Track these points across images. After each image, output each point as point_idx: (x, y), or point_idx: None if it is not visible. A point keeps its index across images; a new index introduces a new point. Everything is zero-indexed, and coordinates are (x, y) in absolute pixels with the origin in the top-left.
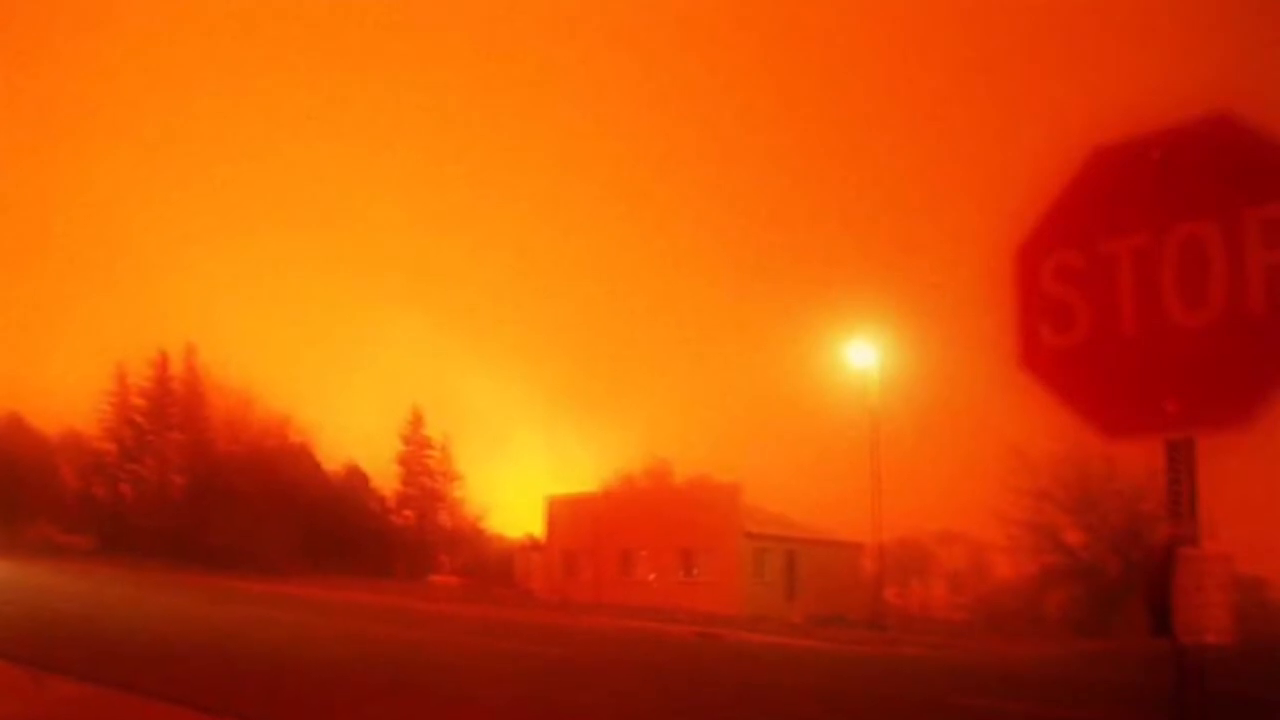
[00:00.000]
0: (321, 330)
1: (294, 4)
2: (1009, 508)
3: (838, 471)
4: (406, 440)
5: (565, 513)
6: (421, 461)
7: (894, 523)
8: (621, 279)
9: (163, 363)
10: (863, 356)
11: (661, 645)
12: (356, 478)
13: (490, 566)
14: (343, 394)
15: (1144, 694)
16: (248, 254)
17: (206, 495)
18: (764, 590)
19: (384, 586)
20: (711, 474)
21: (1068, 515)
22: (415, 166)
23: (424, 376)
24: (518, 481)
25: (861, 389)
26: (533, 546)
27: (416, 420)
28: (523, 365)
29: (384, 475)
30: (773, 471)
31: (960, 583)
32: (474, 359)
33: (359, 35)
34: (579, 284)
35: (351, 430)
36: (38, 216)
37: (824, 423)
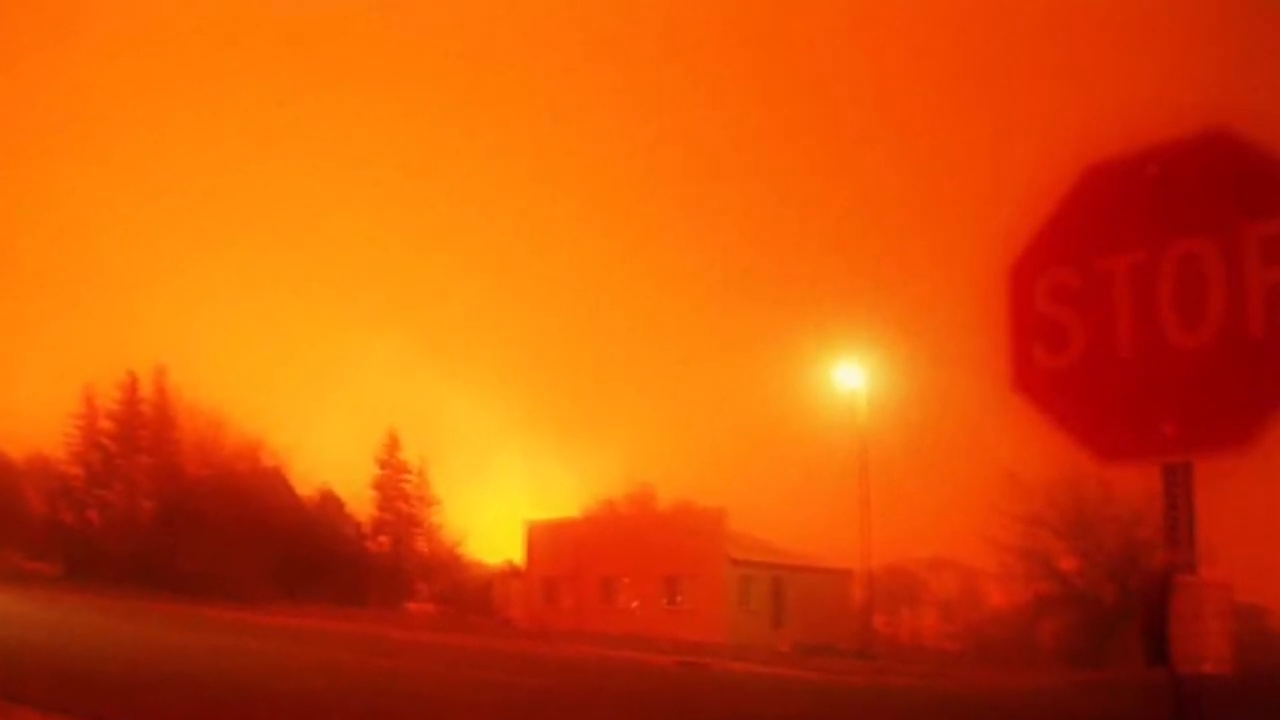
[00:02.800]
0: (296, 351)
1: (267, 18)
2: (1001, 533)
3: (825, 496)
4: (382, 464)
5: (545, 538)
6: (398, 486)
7: (883, 549)
8: (603, 298)
9: (132, 384)
10: (851, 378)
11: (644, 675)
12: (331, 503)
13: (468, 594)
14: (317, 416)
15: None
16: (220, 273)
17: (176, 521)
18: (749, 618)
19: (359, 614)
20: (695, 499)
21: (1062, 541)
22: (391, 183)
23: (401, 398)
24: (497, 506)
25: (850, 411)
26: (512, 573)
27: (393, 443)
28: (502, 387)
29: (359, 500)
30: (759, 496)
31: (951, 611)
32: (452, 380)
33: (334, 50)
34: (559, 303)
35: (326, 454)
36: (2, 233)
37: (811, 446)
